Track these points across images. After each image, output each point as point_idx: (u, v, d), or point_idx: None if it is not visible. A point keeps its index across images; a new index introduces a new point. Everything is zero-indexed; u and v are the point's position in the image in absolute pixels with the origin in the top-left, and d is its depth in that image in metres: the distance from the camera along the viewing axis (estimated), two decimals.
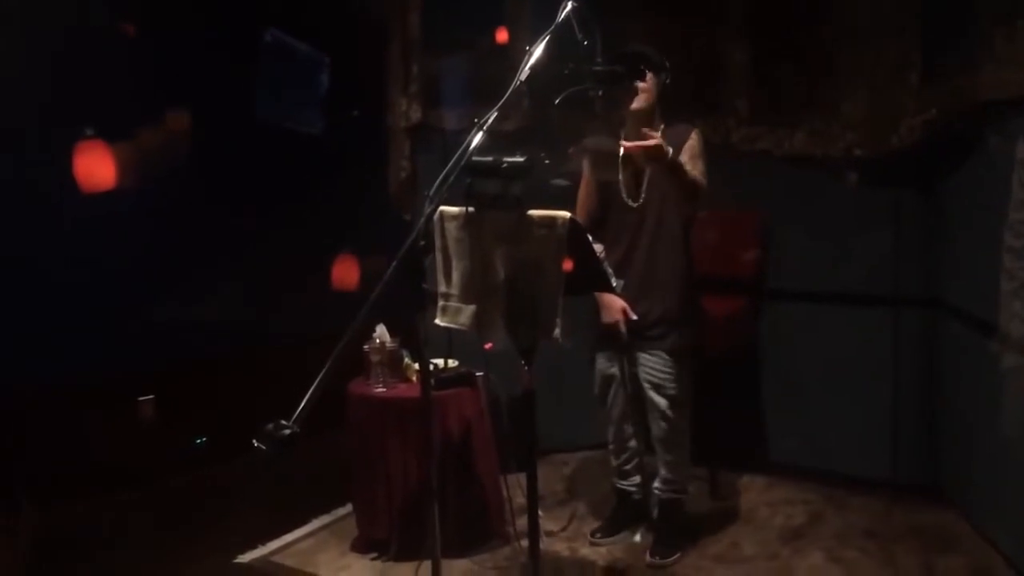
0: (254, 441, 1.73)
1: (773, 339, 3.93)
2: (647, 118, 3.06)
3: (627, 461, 3.33)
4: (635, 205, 3.09)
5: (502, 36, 3.96)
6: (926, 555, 3.14)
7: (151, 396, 3.88)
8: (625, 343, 3.12)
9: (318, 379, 1.75)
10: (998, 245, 2.91)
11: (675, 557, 3.17)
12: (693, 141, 3.05)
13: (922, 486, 3.61)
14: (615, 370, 3.21)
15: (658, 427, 3.13)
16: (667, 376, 3.08)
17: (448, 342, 3.54)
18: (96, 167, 3.58)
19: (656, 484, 3.24)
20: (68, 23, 3.50)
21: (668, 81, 3.07)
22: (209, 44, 3.96)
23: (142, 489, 3.73)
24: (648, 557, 3.16)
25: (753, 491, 3.77)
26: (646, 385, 3.12)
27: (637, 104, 3.01)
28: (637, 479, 3.35)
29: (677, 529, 3.26)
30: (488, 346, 2.26)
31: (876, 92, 3.44)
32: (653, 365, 3.09)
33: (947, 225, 3.48)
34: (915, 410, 3.64)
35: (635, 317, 3.07)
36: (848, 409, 3.76)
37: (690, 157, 3.02)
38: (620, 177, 3.12)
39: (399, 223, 4.12)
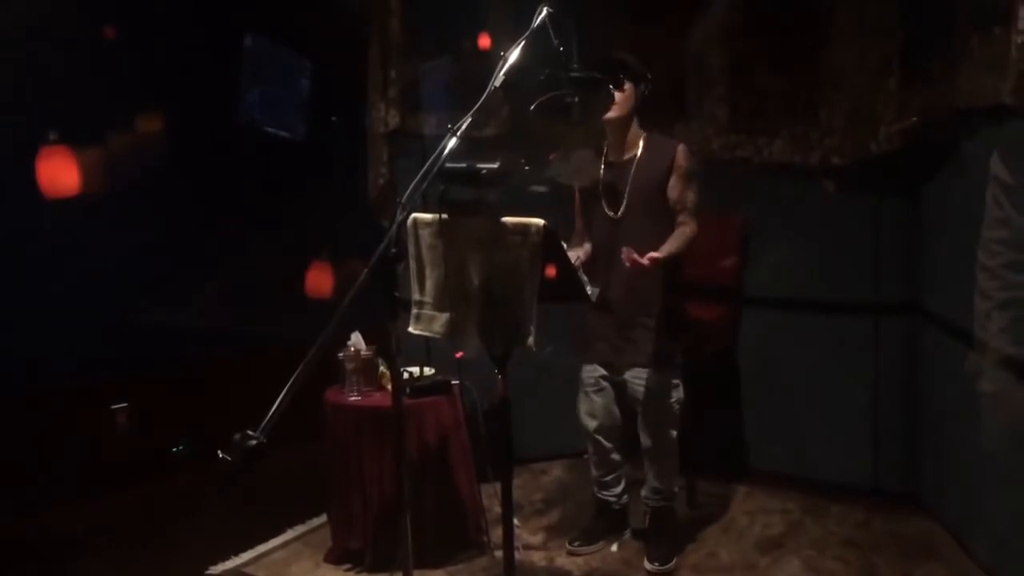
0: (219, 452, 1.70)
1: (752, 346, 3.91)
2: (623, 128, 3.03)
3: (608, 473, 3.30)
4: (614, 216, 3.06)
5: (483, 42, 3.94)
6: (905, 564, 3.13)
7: (123, 404, 3.83)
8: (612, 354, 3.09)
9: (285, 389, 1.73)
10: (975, 259, 2.90)
11: (674, 563, 3.14)
12: (682, 162, 3.00)
13: (902, 495, 3.60)
14: (600, 380, 3.19)
15: (647, 438, 3.10)
16: (655, 386, 3.04)
17: (427, 350, 3.50)
18: (64, 172, 3.54)
19: (644, 494, 3.22)
20: (40, 24, 3.46)
21: (648, 91, 3.03)
22: (189, 47, 3.92)
23: (112, 497, 3.67)
24: (647, 563, 3.13)
25: (731, 499, 3.75)
26: (635, 397, 3.08)
27: (613, 113, 2.97)
28: (618, 490, 3.33)
29: (670, 536, 3.24)
30: (459, 354, 2.24)
31: (855, 98, 3.44)
32: (641, 377, 3.06)
33: (927, 232, 3.47)
34: (895, 418, 3.63)
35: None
36: (827, 417, 3.74)
37: (679, 180, 2.99)
38: (600, 187, 3.09)
39: (379, 230, 4.09)
